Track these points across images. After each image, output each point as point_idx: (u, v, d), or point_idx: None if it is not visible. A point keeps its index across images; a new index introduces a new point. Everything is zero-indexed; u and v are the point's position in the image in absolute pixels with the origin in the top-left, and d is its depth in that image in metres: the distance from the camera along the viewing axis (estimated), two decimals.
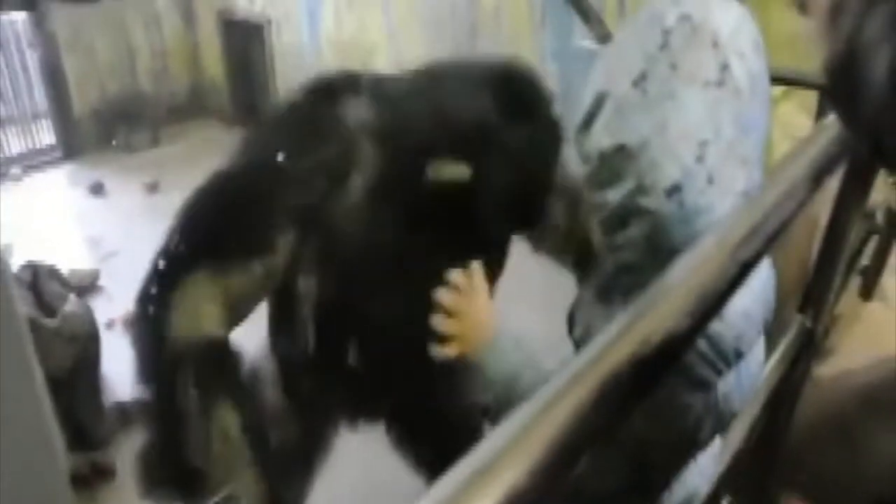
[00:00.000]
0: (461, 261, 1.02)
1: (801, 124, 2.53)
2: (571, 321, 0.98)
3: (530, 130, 1.22)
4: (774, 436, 1.15)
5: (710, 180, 0.74)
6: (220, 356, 1.11)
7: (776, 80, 1.24)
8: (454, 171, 1.16)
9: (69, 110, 5.30)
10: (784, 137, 2.58)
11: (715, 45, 0.73)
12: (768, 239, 0.67)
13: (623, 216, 0.78)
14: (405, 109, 1.21)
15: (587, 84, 0.82)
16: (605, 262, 0.86)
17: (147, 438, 1.16)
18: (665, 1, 0.78)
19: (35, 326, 2.41)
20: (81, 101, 5.33)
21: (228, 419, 1.08)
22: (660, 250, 0.77)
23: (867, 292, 2.49)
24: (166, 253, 1.14)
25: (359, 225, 1.19)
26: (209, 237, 1.14)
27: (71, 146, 5.33)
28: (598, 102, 0.78)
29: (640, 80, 0.74)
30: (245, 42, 5.46)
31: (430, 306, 1.00)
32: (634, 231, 0.78)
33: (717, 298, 0.58)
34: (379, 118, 1.19)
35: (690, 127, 0.73)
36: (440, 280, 1.01)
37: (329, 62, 4.83)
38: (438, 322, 0.99)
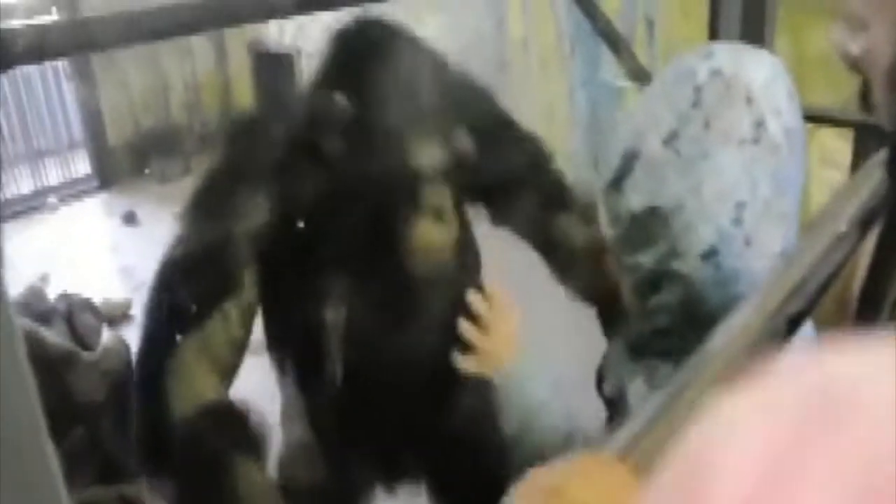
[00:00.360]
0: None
1: (839, 149, 2.48)
2: (601, 376, 0.96)
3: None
4: None
5: (748, 242, 0.72)
6: (227, 420, 1.11)
7: (810, 118, 1.22)
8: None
9: (104, 141, 5.43)
10: (823, 164, 2.54)
11: (749, 100, 0.71)
12: (814, 295, 0.65)
13: (656, 280, 0.76)
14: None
15: (613, 140, 0.81)
16: (638, 323, 0.83)
17: None
18: (695, 54, 0.76)
19: (71, 359, 2.44)
20: (116, 132, 5.46)
21: (255, 480, 1.07)
22: (695, 315, 0.74)
23: None
24: (146, 331, 1.16)
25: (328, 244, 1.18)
26: (179, 302, 1.14)
27: (106, 176, 5.45)
28: (628, 161, 0.76)
29: (671, 140, 0.73)
30: (275, 73, 5.55)
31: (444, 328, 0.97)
32: (668, 296, 0.76)
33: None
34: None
35: (726, 188, 0.71)
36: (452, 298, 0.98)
37: None
38: (465, 329, 0.95)
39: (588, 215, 1.33)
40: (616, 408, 0.86)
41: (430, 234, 1.18)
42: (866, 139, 1.48)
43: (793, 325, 0.58)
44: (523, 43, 3.86)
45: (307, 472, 1.37)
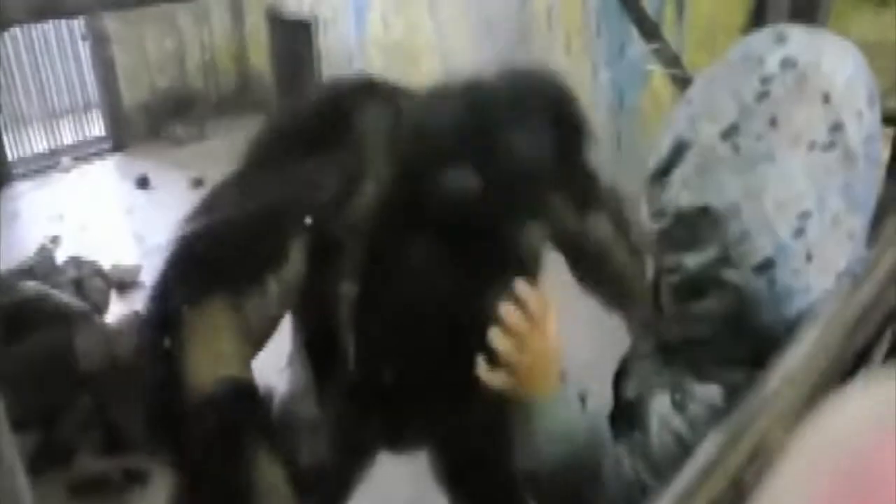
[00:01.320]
0: (495, 279, 0.86)
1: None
2: (620, 376, 0.89)
3: (550, 134, 1.13)
4: None
5: (809, 258, 0.64)
6: (249, 402, 0.98)
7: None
8: (466, 180, 1.06)
9: (119, 103, 5.38)
10: None
11: (826, 99, 0.63)
12: (883, 321, 0.59)
13: (701, 286, 0.68)
14: (422, 120, 1.13)
15: (666, 125, 0.72)
16: (672, 327, 0.77)
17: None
18: (765, 37, 0.67)
19: (82, 319, 2.42)
20: (131, 93, 5.40)
21: (272, 473, 0.98)
22: (741, 330, 0.68)
23: None
24: (167, 284, 0.99)
25: (381, 235, 1.08)
26: (216, 257, 0.99)
27: (120, 138, 5.40)
28: (678, 151, 0.68)
29: (730, 133, 0.64)
30: (292, 39, 5.46)
31: (469, 331, 0.83)
32: (713, 304, 0.68)
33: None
34: (394, 127, 1.11)
35: (791, 195, 0.63)
36: (477, 303, 0.85)
37: (375, 63, 4.80)
38: (496, 338, 0.79)
39: (618, 213, 1.27)
40: (634, 411, 0.79)
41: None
42: None
43: (859, 360, 0.52)
44: (548, 17, 3.75)
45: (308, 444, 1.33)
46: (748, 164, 0.64)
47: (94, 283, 2.91)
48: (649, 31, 2.35)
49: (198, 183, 4.73)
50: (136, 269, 3.55)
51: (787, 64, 0.64)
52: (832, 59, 0.64)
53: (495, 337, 0.79)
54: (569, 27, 3.66)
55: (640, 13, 2.57)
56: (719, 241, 0.65)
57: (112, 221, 4.32)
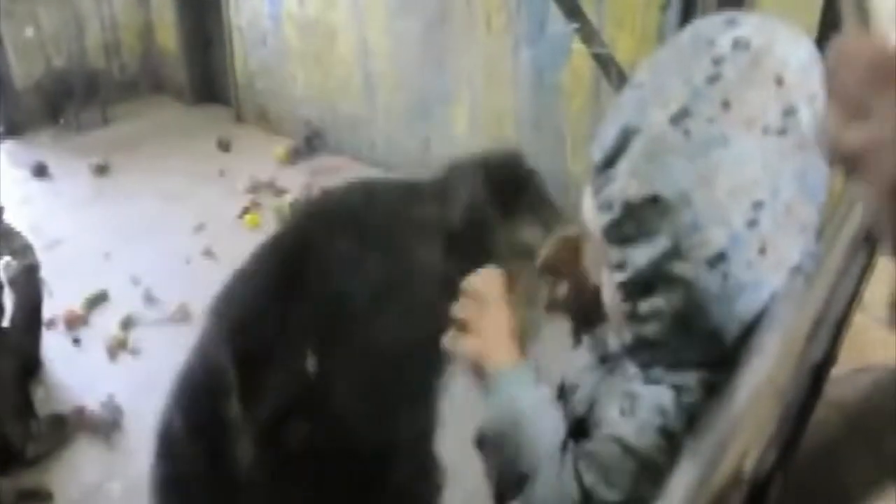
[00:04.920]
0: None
1: None
2: (566, 386, 0.84)
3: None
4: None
5: (762, 250, 0.61)
6: None
7: None
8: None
9: (10, 83, 4.98)
10: None
11: (780, 82, 0.59)
12: (837, 327, 0.54)
13: (649, 282, 0.65)
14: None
15: (611, 113, 0.67)
16: (620, 329, 0.72)
17: None
18: (715, 20, 0.63)
19: None
20: (24, 73, 5.01)
21: None
22: (691, 328, 0.64)
23: None
24: None
25: None
26: None
27: (12, 122, 5.01)
28: (625, 138, 0.64)
29: (680, 118, 0.60)
30: (201, 15, 5.18)
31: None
32: (662, 301, 0.64)
33: (797, 421, 0.45)
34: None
35: (744, 182, 0.59)
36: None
37: (290, 39, 4.61)
38: (451, 342, 0.81)
39: (547, 215, 1.30)
40: (584, 425, 0.75)
41: None
42: None
43: (819, 375, 0.48)
44: None
45: None
46: (700, 148, 0.59)
47: None
48: (570, 8, 2.31)
49: (101, 170, 4.45)
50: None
51: (739, 45, 0.60)
52: (785, 42, 0.61)
53: (450, 341, 0.82)
54: (489, 5, 3.59)
55: None
56: (670, 232, 0.62)
57: (6, 213, 4.00)
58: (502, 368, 0.77)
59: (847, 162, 0.34)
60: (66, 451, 2.25)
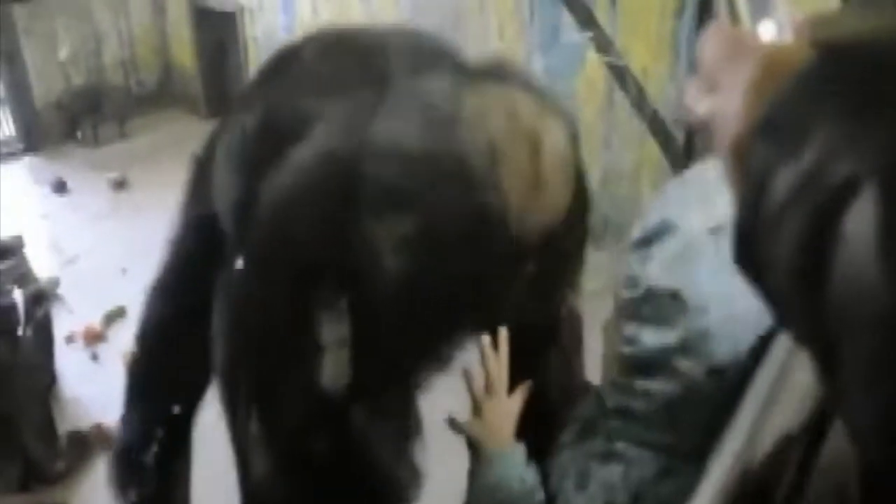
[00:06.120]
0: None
1: None
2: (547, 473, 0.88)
3: None
4: None
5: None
6: None
7: None
8: None
9: (30, 100, 5.04)
10: None
11: None
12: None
13: (650, 365, 0.68)
14: None
15: (658, 198, 0.72)
16: (608, 393, 0.75)
17: None
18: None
19: None
20: (43, 90, 5.07)
21: None
22: (677, 420, 0.67)
23: None
24: None
25: None
26: None
27: (32, 138, 5.07)
28: (662, 230, 0.67)
29: (717, 231, 0.63)
30: (217, 30, 5.22)
31: None
32: (657, 386, 0.67)
33: None
34: None
35: (758, 313, 0.60)
36: None
37: None
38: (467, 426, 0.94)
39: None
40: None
41: None
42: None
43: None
44: (480, 2, 3.66)
45: None
46: (727, 269, 0.59)
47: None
48: (584, 17, 2.29)
49: (119, 185, 4.48)
50: (54, 282, 3.33)
51: None
52: None
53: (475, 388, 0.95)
54: (501, 13, 3.58)
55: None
56: (682, 330, 0.65)
57: (26, 230, 4.04)
58: (498, 448, 0.88)
59: (701, 128, 0.39)
60: (86, 467, 2.26)
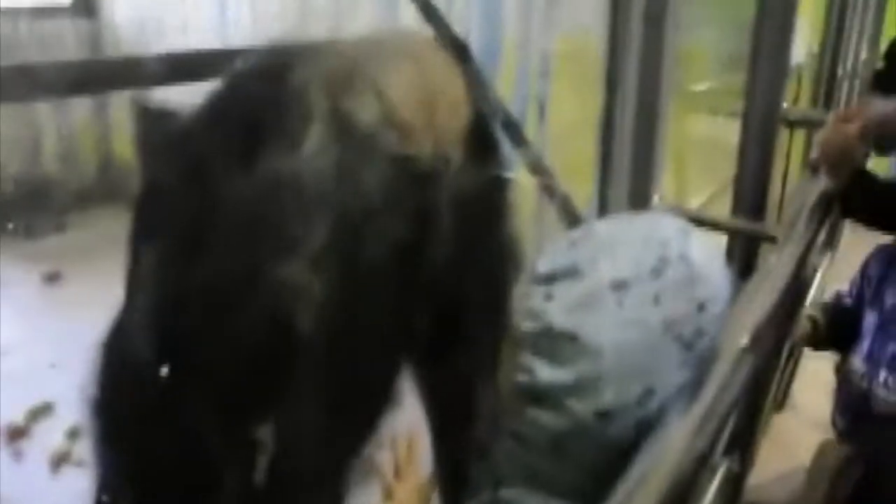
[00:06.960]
0: None
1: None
2: None
3: None
4: None
5: (650, 423, 0.70)
6: None
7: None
8: None
9: None
10: None
11: (702, 308, 0.70)
12: None
13: (541, 396, 0.71)
14: None
15: (567, 240, 0.76)
16: (500, 419, 0.78)
17: None
18: (673, 224, 0.75)
19: None
20: None
21: None
22: (564, 453, 0.71)
23: (779, 404, 2.56)
24: None
25: None
26: None
27: None
28: (570, 273, 0.71)
29: (620, 288, 0.70)
30: (160, 127, 5.29)
31: None
32: (546, 418, 0.71)
33: None
34: None
35: (647, 369, 0.69)
36: None
37: None
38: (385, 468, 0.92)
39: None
40: None
41: None
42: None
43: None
44: None
45: None
46: (625, 323, 0.69)
47: None
48: (514, 134, 2.45)
49: (53, 278, 4.40)
50: None
51: (685, 260, 0.71)
52: (719, 278, 0.73)
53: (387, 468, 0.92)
54: None
55: (506, 116, 2.68)
56: (574, 371, 0.69)
57: None
58: None
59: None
60: None
